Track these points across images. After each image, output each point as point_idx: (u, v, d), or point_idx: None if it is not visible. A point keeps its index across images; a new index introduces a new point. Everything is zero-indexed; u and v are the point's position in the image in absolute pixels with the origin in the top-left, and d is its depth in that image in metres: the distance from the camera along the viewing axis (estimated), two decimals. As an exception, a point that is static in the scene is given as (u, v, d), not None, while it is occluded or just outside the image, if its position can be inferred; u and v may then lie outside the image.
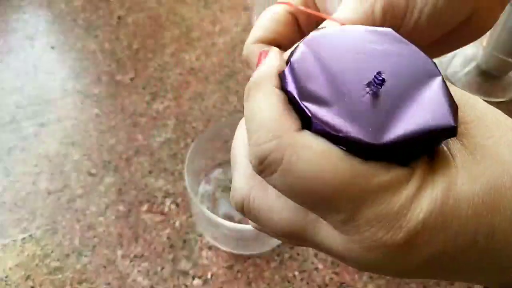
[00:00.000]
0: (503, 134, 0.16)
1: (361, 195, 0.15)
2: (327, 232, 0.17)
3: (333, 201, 0.15)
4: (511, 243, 0.16)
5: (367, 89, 0.16)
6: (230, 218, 0.44)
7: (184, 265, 0.42)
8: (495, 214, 0.15)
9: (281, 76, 0.17)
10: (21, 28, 0.62)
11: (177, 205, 0.46)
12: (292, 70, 0.17)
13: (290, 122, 0.16)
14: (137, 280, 0.41)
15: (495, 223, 0.15)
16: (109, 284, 0.40)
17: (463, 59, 0.61)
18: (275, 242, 0.42)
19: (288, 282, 0.41)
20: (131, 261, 0.42)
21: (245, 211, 0.19)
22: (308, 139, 0.16)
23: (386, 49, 0.18)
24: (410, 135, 0.15)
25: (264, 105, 0.16)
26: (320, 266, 0.42)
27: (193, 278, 0.41)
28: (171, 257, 0.42)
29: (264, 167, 0.16)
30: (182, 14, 0.65)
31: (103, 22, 0.63)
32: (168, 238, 0.43)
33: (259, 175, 0.17)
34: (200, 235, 0.43)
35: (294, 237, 0.18)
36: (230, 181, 0.47)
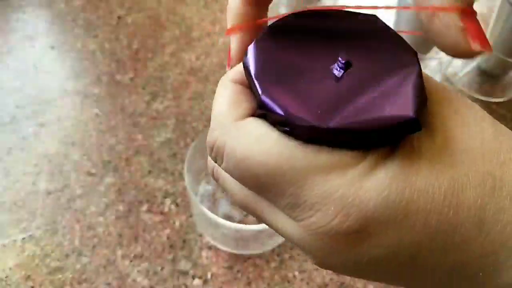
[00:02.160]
0: (479, 132, 0.15)
1: (300, 177, 0.15)
2: (281, 217, 0.16)
3: (273, 185, 0.15)
4: (474, 246, 0.14)
5: (330, 71, 0.16)
6: (230, 218, 0.44)
7: (184, 265, 0.42)
8: (456, 212, 0.14)
9: (246, 52, 0.17)
10: (21, 28, 0.62)
11: (177, 205, 0.46)
12: (256, 46, 0.16)
13: (237, 110, 0.16)
14: (137, 280, 0.41)
15: (457, 223, 0.14)
16: (109, 284, 0.40)
17: (463, 59, 0.61)
18: (275, 242, 0.42)
19: (288, 282, 0.41)
20: (131, 261, 0.42)
21: (214, 176, 0.19)
22: (249, 124, 0.16)
23: (364, 34, 0.17)
24: (362, 123, 0.14)
25: (217, 97, 0.17)
26: (320, 266, 0.42)
27: (193, 278, 0.41)
28: (171, 257, 0.42)
29: (214, 154, 0.17)
30: (182, 14, 0.65)
31: (103, 22, 0.63)
32: (168, 238, 0.43)
33: (214, 162, 0.18)
34: (200, 235, 0.43)
35: (254, 216, 0.18)
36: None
